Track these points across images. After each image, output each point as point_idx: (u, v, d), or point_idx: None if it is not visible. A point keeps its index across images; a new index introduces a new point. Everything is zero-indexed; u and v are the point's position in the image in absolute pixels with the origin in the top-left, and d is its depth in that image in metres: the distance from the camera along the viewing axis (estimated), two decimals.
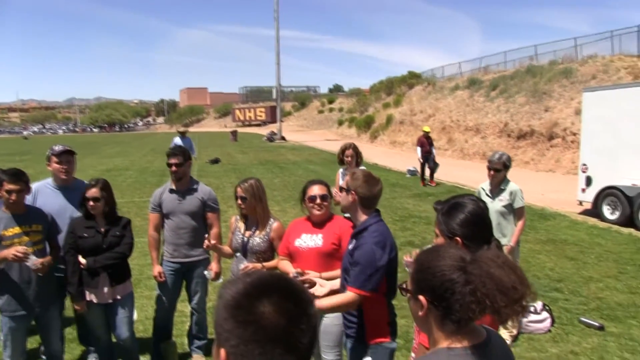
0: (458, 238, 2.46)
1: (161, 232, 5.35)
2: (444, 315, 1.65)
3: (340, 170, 7.33)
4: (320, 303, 3.20)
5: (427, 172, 18.12)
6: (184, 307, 6.21)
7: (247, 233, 4.55)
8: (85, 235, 4.55)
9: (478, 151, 27.19)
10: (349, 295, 3.23)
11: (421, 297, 1.68)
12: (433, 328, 1.70)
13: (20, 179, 4.31)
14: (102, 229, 4.61)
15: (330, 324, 3.91)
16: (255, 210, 4.54)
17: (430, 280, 1.66)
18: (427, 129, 19.32)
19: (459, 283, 1.61)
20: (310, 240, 4.06)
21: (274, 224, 4.58)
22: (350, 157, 7.16)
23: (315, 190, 4.12)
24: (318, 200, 4.08)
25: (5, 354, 4.47)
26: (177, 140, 15.11)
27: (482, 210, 2.57)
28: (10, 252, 4.12)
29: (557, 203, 14.13)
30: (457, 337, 1.66)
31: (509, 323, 5.65)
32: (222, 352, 1.20)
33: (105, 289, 4.62)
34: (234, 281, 1.27)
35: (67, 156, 5.08)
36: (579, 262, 8.68)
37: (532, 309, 6.08)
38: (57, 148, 5.09)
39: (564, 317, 6.39)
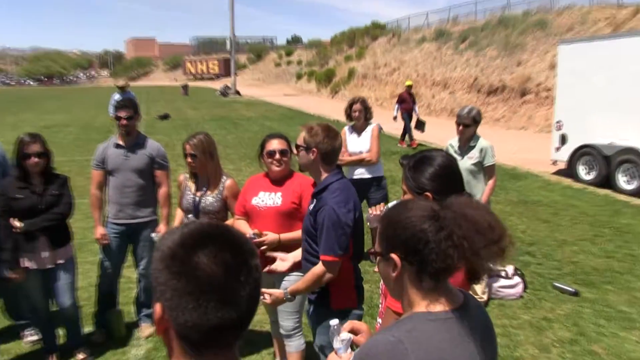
0: (428, 193, 2.41)
1: (105, 190, 5.24)
2: (420, 270, 1.62)
3: (346, 127, 7.15)
4: (295, 287, 3.29)
5: (411, 132, 17.61)
6: (130, 273, 6.08)
7: (198, 193, 4.53)
8: (20, 196, 4.40)
9: (446, 107, 27.31)
10: (318, 266, 3.20)
11: (393, 255, 1.65)
12: (408, 289, 1.66)
13: None
14: (38, 189, 4.46)
15: (288, 288, 3.83)
16: (206, 168, 4.51)
17: (400, 234, 1.63)
18: (409, 82, 18.82)
19: (431, 231, 1.58)
20: (269, 199, 4.03)
21: (226, 182, 4.57)
22: (358, 112, 6.92)
23: (275, 144, 4.06)
24: (277, 156, 4.03)
25: None
26: (117, 97, 13.92)
27: (452, 163, 2.54)
28: None
29: (530, 162, 14.31)
30: (435, 297, 1.64)
31: (479, 289, 5.70)
32: (158, 306, 1.20)
33: (45, 254, 4.51)
34: (171, 231, 1.25)
35: None
36: (552, 225, 8.81)
37: (502, 273, 6.12)
38: None
39: (536, 282, 6.47)
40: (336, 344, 1.97)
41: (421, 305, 1.64)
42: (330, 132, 3.37)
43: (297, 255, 3.59)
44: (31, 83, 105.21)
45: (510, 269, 6.19)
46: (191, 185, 4.60)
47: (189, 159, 4.47)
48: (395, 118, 17.65)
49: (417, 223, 1.61)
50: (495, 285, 6.05)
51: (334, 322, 2.08)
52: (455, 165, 2.56)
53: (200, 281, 1.14)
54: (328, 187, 3.27)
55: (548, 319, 5.53)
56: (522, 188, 11.52)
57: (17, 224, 4.38)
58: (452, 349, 1.58)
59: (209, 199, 4.49)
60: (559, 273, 6.74)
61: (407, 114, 17.56)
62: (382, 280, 1.97)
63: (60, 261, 4.62)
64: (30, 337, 5.13)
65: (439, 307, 1.63)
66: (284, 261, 3.60)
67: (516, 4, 31.15)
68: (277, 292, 3.34)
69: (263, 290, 3.08)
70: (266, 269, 3.48)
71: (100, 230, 5.12)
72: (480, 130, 6.00)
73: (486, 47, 27.80)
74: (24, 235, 4.41)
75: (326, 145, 3.30)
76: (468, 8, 35.87)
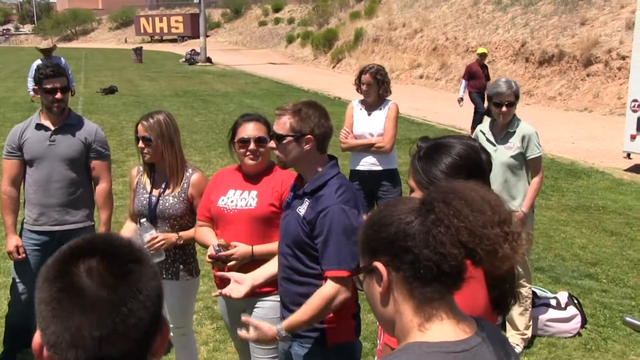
0: None
1: (21, 187, 5.25)
2: (412, 274, 1.64)
3: (355, 100, 7.18)
4: (294, 320, 3.20)
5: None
6: None
7: (155, 191, 4.57)
8: None
9: None
10: (326, 289, 3.20)
11: (377, 264, 1.68)
12: (400, 306, 1.68)
13: None
14: None
15: (263, 316, 3.89)
16: (163, 157, 4.52)
17: (383, 233, 1.68)
18: (482, 50, 17.17)
19: (419, 222, 1.63)
20: (240, 200, 4.08)
21: (192, 176, 4.62)
22: (366, 84, 6.84)
23: (249, 129, 4.10)
24: (252, 145, 4.06)
25: None
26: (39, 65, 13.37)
27: (474, 152, 2.56)
28: None
29: (595, 155, 14.33)
30: (432, 314, 1.65)
31: (521, 323, 5.68)
32: (38, 332, 1.32)
33: None
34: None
35: None
36: (623, 239, 8.81)
37: (553, 302, 6.10)
38: None
39: (600, 315, 6.46)
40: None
41: (415, 328, 1.65)
42: (323, 111, 3.43)
43: (257, 276, 3.62)
44: None
45: (563, 296, 6.18)
46: (146, 182, 4.63)
47: (142, 144, 4.47)
48: (460, 100, 16.44)
49: (402, 216, 1.65)
50: (543, 317, 6.04)
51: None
52: (478, 155, 2.57)
53: (69, 301, 1.27)
54: (328, 183, 3.31)
55: None
56: (583, 189, 11.52)
57: None
58: None
59: (170, 199, 4.51)
60: (632, 304, 6.72)
61: (478, 94, 15.98)
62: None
63: None
64: None
65: (436, 335, 1.63)
66: (239, 284, 3.60)
67: None
68: (266, 326, 3.27)
69: (247, 319, 3.08)
70: (216, 292, 3.59)
71: (14, 242, 5.11)
72: (531, 110, 6.03)
73: (539, 2, 27.82)
74: None
75: (323, 128, 3.35)
76: None
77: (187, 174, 4.60)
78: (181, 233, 4.42)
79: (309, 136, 3.32)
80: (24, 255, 5.12)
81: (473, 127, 15.59)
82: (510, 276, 2.09)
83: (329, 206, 3.23)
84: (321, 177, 3.35)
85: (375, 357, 2.96)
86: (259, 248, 3.91)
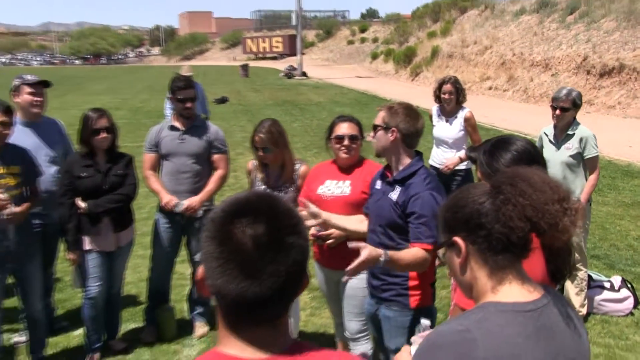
0: None
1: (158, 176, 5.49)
2: (486, 247, 1.71)
3: (434, 106, 7.35)
4: (397, 256, 3.18)
5: None
6: (183, 269, 6.37)
7: (270, 183, 4.68)
8: (84, 174, 4.77)
9: (546, 92, 26.57)
10: (419, 251, 3.27)
11: (456, 239, 1.75)
12: (476, 273, 1.75)
13: (11, 111, 4.50)
14: (103, 168, 4.83)
15: (357, 286, 3.99)
16: (280, 159, 4.66)
17: (460, 214, 1.75)
18: None
19: (489, 202, 1.70)
20: (336, 188, 4.14)
21: (301, 168, 4.72)
22: (448, 93, 7.05)
23: (344, 128, 4.16)
24: (346, 142, 4.12)
25: None
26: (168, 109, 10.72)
27: (533, 149, 2.62)
28: None
29: None
30: (504, 279, 1.71)
31: (577, 301, 5.65)
32: (200, 268, 1.41)
33: (108, 236, 4.87)
34: (224, 199, 1.44)
35: (41, 87, 5.22)
36: None
37: (607, 284, 6.03)
38: (30, 77, 5.23)
39: None
40: (415, 343, 2.09)
41: (488, 294, 1.72)
42: (412, 112, 3.50)
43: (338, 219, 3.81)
44: (76, 62, 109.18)
45: (617, 280, 6.08)
46: (261, 176, 4.75)
47: (261, 153, 4.62)
48: None
49: (476, 198, 1.72)
50: (598, 297, 5.97)
51: (426, 322, 2.21)
52: (537, 153, 2.64)
53: (228, 248, 1.32)
54: (417, 173, 3.41)
55: None
56: (639, 188, 11.12)
57: (81, 204, 4.76)
58: (527, 345, 1.63)
59: (282, 190, 4.63)
60: None
61: None
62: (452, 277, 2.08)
63: (122, 245, 5.02)
64: (19, 337, 5.33)
65: (508, 296, 1.69)
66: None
67: None
68: (377, 249, 3.19)
69: (357, 244, 3.06)
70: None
71: (167, 197, 5.26)
72: (591, 118, 5.96)
73: (601, 19, 26.84)
74: (87, 216, 4.79)
75: (407, 125, 3.43)
76: None
77: (296, 167, 4.72)
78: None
79: (393, 128, 3.42)
80: (175, 202, 5.21)
81: None
82: (565, 252, 2.08)
83: (419, 192, 3.33)
84: (410, 167, 3.44)
85: (448, 317, 2.96)
86: (352, 226, 3.87)
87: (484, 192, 1.72)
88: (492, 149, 2.59)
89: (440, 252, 1.87)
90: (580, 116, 5.95)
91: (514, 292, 1.70)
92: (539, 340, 1.65)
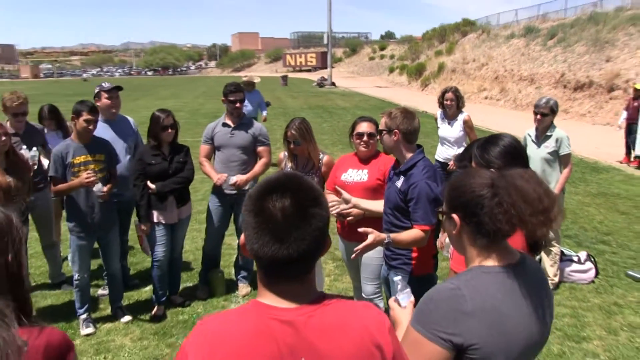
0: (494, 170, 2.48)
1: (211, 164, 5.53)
2: (476, 230, 1.72)
3: (439, 112, 7.37)
4: (397, 237, 3.29)
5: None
6: (231, 240, 6.44)
7: (299, 170, 4.69)
8: (153, 162, 4.93)
9: (532, 102, 26.03)
10: (417, 232, 3.32)
11: (454, 216, 1.77)
12: (466, 246, 1.78)
13: (96, 110, 4.67)
14: (168, 157, 4.98)
15: (371, 256, 4.00)
16: (307, 150, 4.70)
17: (461, 197, 1.74)
18: (637, 86, 12.88)
19: (487, 197, 1.68)
20: (356, 175, 4.17)
21: (324, 158, 4.76)
22: (450, 100, 7.11)
23: (364, 127, 4.19)
24: (365, 138, 4.15)
25: (74, 269, 4.83)
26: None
27: (519, 144, 2.59)
28: (82, 178, 4.47)
29: (613, 157, 13.58)
30: (489, 253, 1.73)
31: (551, 272, 5.63)
32: (243, 235, 1.43)
33: (173, 211, 5.03)
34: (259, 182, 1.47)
35: (116, 91, 5.37)
36: (630, 217, 8.45)
37: (575, 258, 6.01)
38: (107, 85, 5.38)
39: (609, 269, 6.28)
40: (399, 295, 2.13)
41: (476, 261, 1.75)
42: (408, 114, 3.50)
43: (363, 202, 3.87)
44: (148, 73, 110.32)
45: (583, 254, 6.06)
46: (290, 165, 4.76)
47: (292, 145, 4.66)
48: (619, 127, 13.38)
49: (477, 189, 1.71)
50: (567, 269, 5.95)
51: (397, 278, 2.29)
52: (522, 148, 2.62)
53: (262, 219, 1.35)
54: (416, 165, 3.39)
55: (618, 305, 5.38)
56: (603, 181, 11.04)
57: (152, 185, 4.93)
58: (505, 299, 1.67)
59: (310, 176, 4.62)
60: (634, 262, 6.49)
61: (634, 124, 12.45)
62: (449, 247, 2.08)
63: (182, 218, 5.16)
64: (102, 291, 5.52)
65: (491, 262, 1.72)
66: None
67: (609, 1, 29.47)
68: (380, 234, 3.30)
69: (365, 230, 3.18)
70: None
71: (217, 176, 5.28)
72: (566, 124, 5.92)
73: (575, 44, 26.48)
74: (156, 195, 4.94)
75: (406, 125, 3.42)
76: (558, 4, 34.26)
77: (320, 157, 4.75)
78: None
79: (395, 130, 3.42)
80: (225, 177, 5.23)
81: (628, 151, 13.00)
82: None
83: (417, 181, 3.31)
84: (411, 160, 3.42)
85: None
86: (368, 206, 3.92)
87: (485, 185, 1.70)
88: (484, 143, 2.57)
89: (443, 217, 1.87)
90: (557, 122, 5.91)
91: (496, 259, 1.73)
92: (514, 296, 1.69)
